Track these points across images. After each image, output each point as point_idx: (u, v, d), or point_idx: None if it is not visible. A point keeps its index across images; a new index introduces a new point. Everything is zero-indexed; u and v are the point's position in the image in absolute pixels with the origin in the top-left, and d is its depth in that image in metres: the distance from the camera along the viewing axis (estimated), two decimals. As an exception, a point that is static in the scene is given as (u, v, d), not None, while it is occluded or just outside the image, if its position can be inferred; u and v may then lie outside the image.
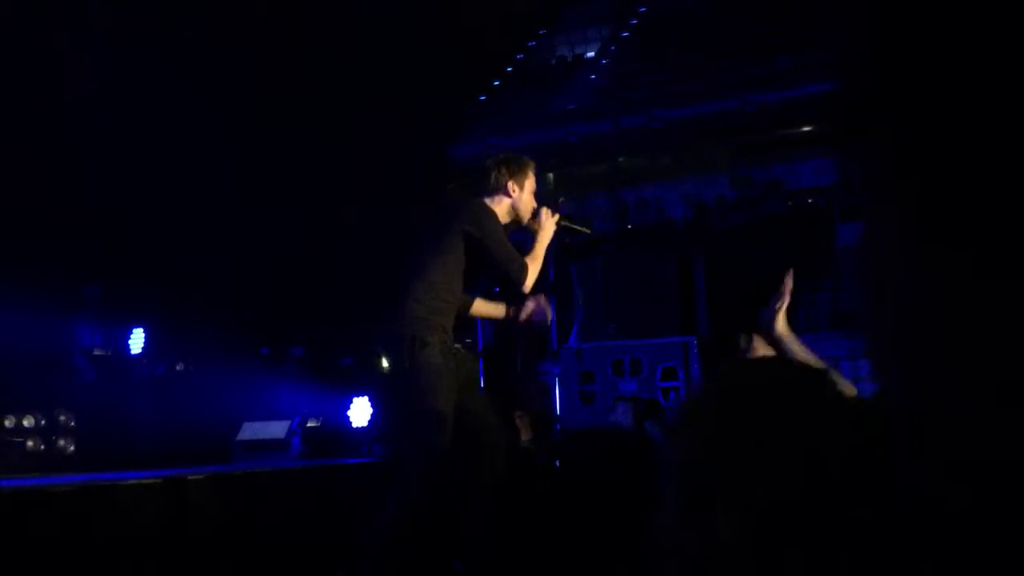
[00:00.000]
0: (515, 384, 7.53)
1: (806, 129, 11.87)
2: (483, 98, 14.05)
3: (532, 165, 3.99)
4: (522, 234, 4.03)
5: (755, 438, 0.83)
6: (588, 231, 4.29)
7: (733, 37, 12.82)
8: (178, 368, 7.71)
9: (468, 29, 12.52)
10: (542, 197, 4.11)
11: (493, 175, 3.93)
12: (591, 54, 14.63)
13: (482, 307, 4.11)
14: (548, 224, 3.92)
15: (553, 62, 14.86)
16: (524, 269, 3.77)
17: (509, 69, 14.70)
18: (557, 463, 6.18)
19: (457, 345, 3.95)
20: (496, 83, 14.40)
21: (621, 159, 11.54)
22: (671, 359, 6.70)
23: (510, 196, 3.91)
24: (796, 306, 9.14)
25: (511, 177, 3.92)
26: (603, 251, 8.41)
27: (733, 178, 12.07)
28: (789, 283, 3.78)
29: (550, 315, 4.02)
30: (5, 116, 7.88)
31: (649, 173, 12.10)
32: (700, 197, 11.71)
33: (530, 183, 3.96)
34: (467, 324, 5.27)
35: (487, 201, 3.90)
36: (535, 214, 3.94)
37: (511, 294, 3.98)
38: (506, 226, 3.96)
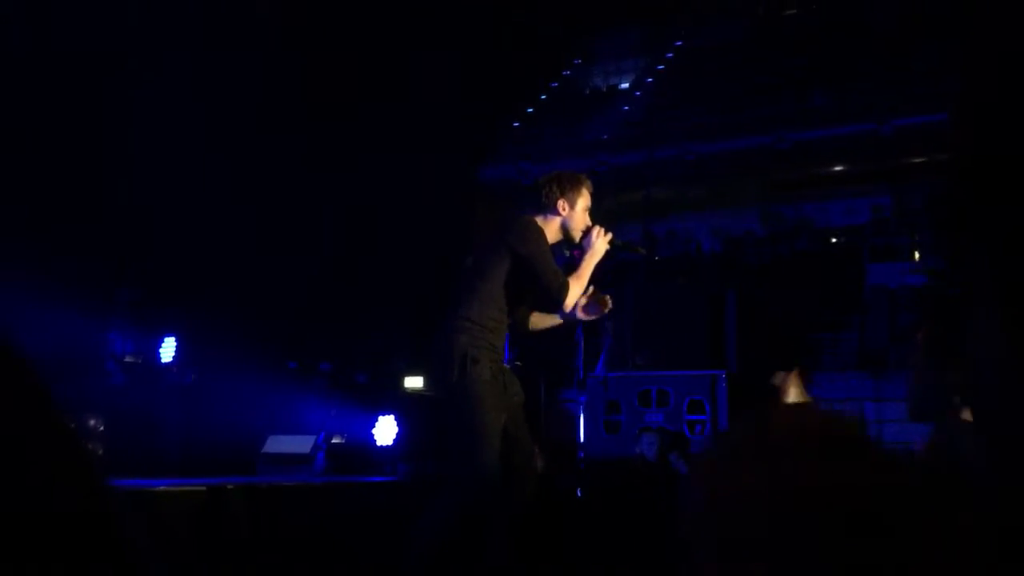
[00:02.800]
0: (538, 411, 7.53)
1: (838, 168, 11.88)
2: (516, 124, 14.16)
3: (586, 183, 3.95)
4: (563, 256, 4.03)
5: (792, 489, 0.82)
6: (643, 251, 4.24)
7: (769, 72, 12.87)
8: (203, 377, 7.76)
9: (504, 56, 12.63)
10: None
11: (544, 192, 3.92)
12: (625, 85, 14.73)
13: (540, 320, 4.09)
14: (599, 243, 3.88)
15: (587, 92, 14.97)
16: (565, 287, 3.76)
17: (543, 97, 14.82)
18: (579, 492, 6.17)
19: (507, 365, 3.94)
20: (530, 110, 14.51)
21: (652, 190, 11.58)
22: (699, 392, 6.69)
23: (560, 214, 3.90)
24: (822, 345, 9.09)
25: (562, 195, 3.89)
26: (633, 280, 8.41)
27: (763, 214, 12.07)
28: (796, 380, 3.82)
29: (607, 305, 3.95)
30: (46, 124, 8.03)
31: (679, 205, 12.13)
32: (729, 231, 11.73)
33: (583, 201, 3.91)
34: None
35: (538, 219, 3.89)
36: (586, 232, 3.91)
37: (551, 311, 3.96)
38: (558, 244, 3.95)
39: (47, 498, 0.70)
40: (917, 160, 10.78)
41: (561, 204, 3.88)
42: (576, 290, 3.79)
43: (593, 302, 3.90)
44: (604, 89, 14.98)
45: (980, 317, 0.88)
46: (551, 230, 3.89)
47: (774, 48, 13.27)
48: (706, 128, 12.36)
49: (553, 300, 3.79)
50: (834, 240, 11.59)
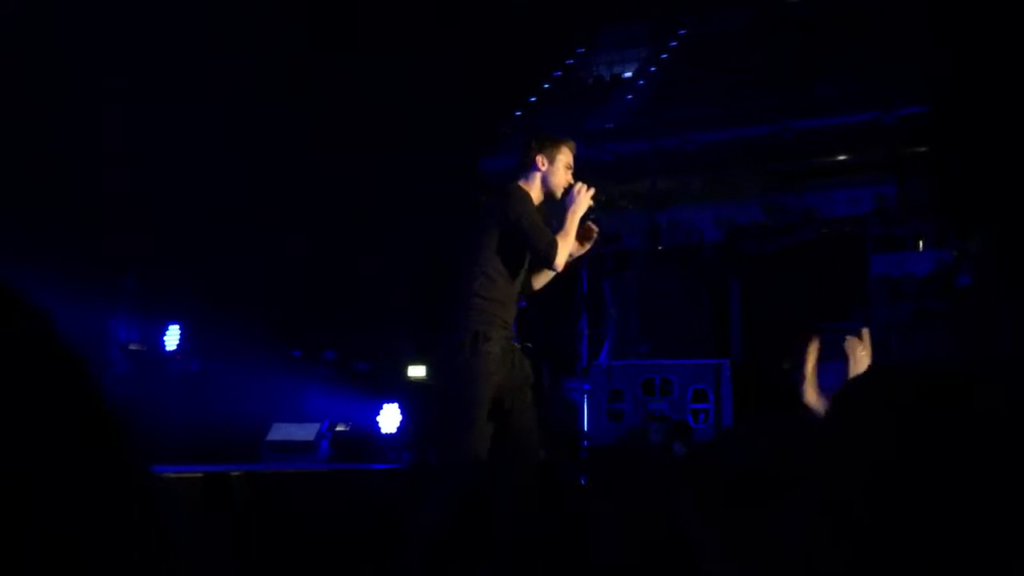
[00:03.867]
0: (541, 400, 7.54)
1: (842, 158, 11.85)
2: (519, 113, 14.13)
3: (565, 141, 3.97)
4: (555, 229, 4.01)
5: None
6: (630, 206, 4.27)
7: (773, 62, 12.83)
8: (207, 365, 7.78)
9: (508, 46, 12.60)
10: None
11: (523, 151, 3.97)
12: (628, 74, 14.67)
13: (539, 278, 4.10)
14: (581, 198, 3.88)
15: (590, 81, 14.91)
16: (554, 245, 3.76)
17: (546, 86, 14.78)
18: (583, 480, 6.18)
19: (518, 344, 3.94)
20: (532, 99, 14.47)
21: (655, 180, 11.55)
22: (702, 381, 6.70)
23: (539, 170, 3.91)
24: (822, 334, 9.08)
25: (540, 151, 3.92)
26: (635, 268, 8.41)
27: (766, 204, 12.05)
28: (815, 349, 3.63)
29: (594, 232, 3.96)
30: (48, 111, 8.03)
31: (683, 195, 12.09)
32: (733, 221, 11.69)
33: (563, 157, 3.93)
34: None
35: (520, 182, 3.91)
36: (568, 190, 3.92)
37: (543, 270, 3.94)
38: (543, 205, 3.95)
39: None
40: (920, 149, 10.76)
41: (540, 160, 3.91)
42: (564, 247, 3.80)
43: (581, 234, 3.92)
44: (608, 78, 14.92)
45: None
46: (534, 190, 3.92)
47: (778, 37, 13.22)
48: (709, 118, 12.33)
49: (543, 260, 3.80)
50: (837, 229, 11.58)
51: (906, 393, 0.84)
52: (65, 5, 8.52)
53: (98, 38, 8.49)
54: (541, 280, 4.10)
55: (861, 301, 8.90)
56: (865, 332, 3.02)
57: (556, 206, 4.06)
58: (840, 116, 11.43)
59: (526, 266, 3.93)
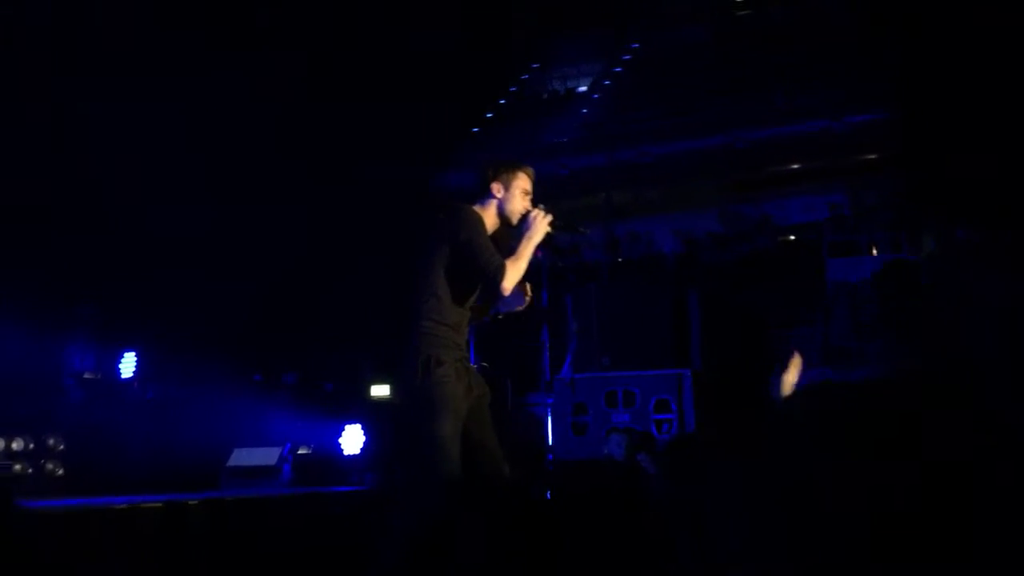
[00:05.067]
0: (505, 416, 7.51)
1: (796, 166, 12.02)
2: (476, 130, 14.16)
3: (522, 167, 3.93)
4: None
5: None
6: (585, 231, 4.18)
7: (725, 75, 12.99)
8: (165, 392, 7.66)
9: (463, 62, 12.62)
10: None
11: (480, 178, 3.95)
12: (583, 88, 14.79)
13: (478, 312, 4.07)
14: (538, 225, 3.87)
15: (545, 95, 15.00)
16: (501, 269, 3.71)
17: (502, 101, 14.83)
18: (548, 494, 6.16)
19: (473, 365, 3.90)
20: (489, 115, 14.51)
21: (612, 193, 11.62)
22: (665, 391, 6.71)
23: (495, 197, 3.90)
24: (786, 341, 9.15)
25: (495, 178, 3.90)
26: (597, 281, 8.43)
27: (722, 213, 12.16)
28: (797, 360, 3.76)
29: (528, 293, 3.92)
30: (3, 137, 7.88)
31: (640, 207, 12.18)
32: (690, 232, 11.80)
33: (519, 183, 3.89)
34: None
35: (476, 206, 3.89)
36: (524, 217, 3.90)
37: (492, 296, 3.90)
38: (501, 231, 3.93)
39: None
40: (871, 157, 10.93)
41: (495, 187, 3.89)
42: (514, 273, 3.75)
43: (517, 291, 3.89)
44: (563, 92, 15.03)
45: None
46: (489, 216, 3.89)
47: (730, 49, 13.39)
48: (663, 129, 12.45)
49: (490, 283, 3.75)
50: (793, 237, 11.72)
51: (836, 406, 0.86)
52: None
53: (61, 59, 8.38)
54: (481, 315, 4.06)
55: (819, 306, 9.00)
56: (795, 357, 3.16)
57: (514, 231, 4.04)
58: (792, 125, 11.60)
59: (478, 288, 3.90)
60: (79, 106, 8.45)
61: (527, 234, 3.84)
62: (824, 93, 11.83)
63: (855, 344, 8.34)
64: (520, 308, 3.98)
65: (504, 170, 3.92)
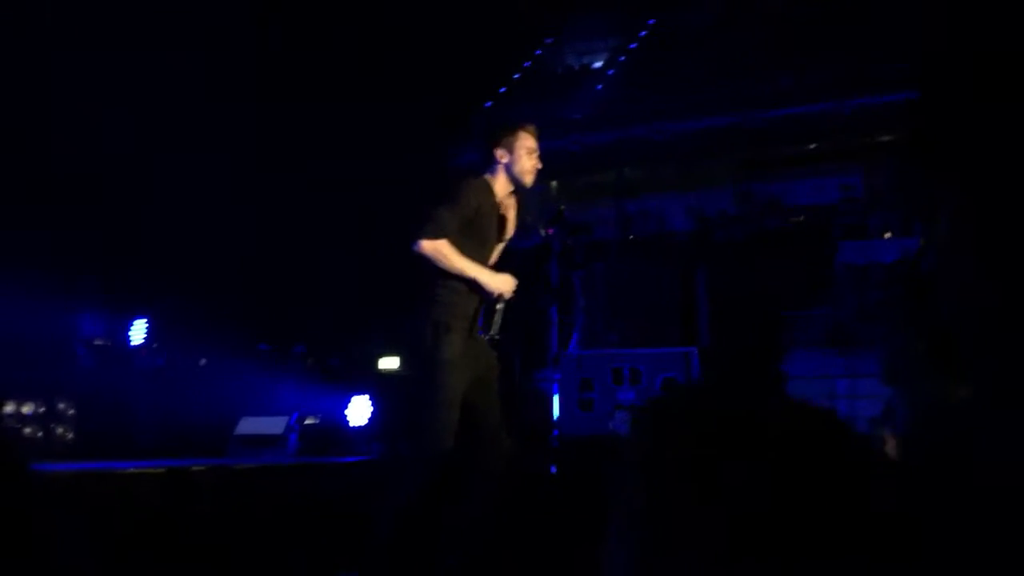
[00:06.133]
0: (513, 391, 7.53)
1: (809, 147, 11.95)
2: (488, 105, 14.11)
3: (520, 126, 3.87)
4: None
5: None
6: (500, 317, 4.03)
7: (740, 53, 12.89)
8: (190, 361, 7.71)
9: (476, 37, 12.56)
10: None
11: (484, 148, 3.94)
12: (598, 64, 14.70)
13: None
14: (499, 282, 3.75)
15: (560, 71, 14.93)
16: (429, 235, 3.62)
17: (516, 77, 14.77)
18: (553, 469, 6.19)
19: (482, 335, 3.90)
20: (503, 90, 14.46)
21: (625, 170, 11.59)
22: (671, 369, 6.72)
23: (500, 162, 3.89)
24: (794, 322, 9.12)
25: (497, 144, 3.89)
26: (605, 259, 8.42)
27: (735, 192, 12.12)
28: None
29: (505, 294, 3.89)
30: (12, 111, 7.91)
31: (652, 185, 12.15)
32: (702, 210, 11.76)
33: (522, 142, 3.84)
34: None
35: (487, 176, 3.88)
36: (533, 174, 3.85)
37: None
38: (518, 194, 3.92)
39: None
40: (884, 139, 10.86)
41: (499, 153, 3.88)
42: (436, 254, 3.65)
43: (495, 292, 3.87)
44: (577, 68, 14.95)
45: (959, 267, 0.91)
46: (500, 183, 3.88)
47: (746, 28, 13.29)
48: (676, 108, 12.38)
49: (410, 235, 3.70)
50: (803, 218, 11.68)
51: (693, 416, 0.86)
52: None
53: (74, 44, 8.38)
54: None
55: (828, 289, 8.97)
56: None
57: (530, 195, 4.03)
58: (805, 106, 11.53)
59: (489, 257, 3.91)
60: (87, 80, 8.45)
61: (488, 277, 3.78)
62: (840, 74, 11.74)
63: (862, 327, 8.31)
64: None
65: (504, 134, 3.91)
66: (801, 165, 11.70)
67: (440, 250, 3.68)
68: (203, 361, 7.49)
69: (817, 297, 9.53)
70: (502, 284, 3.82)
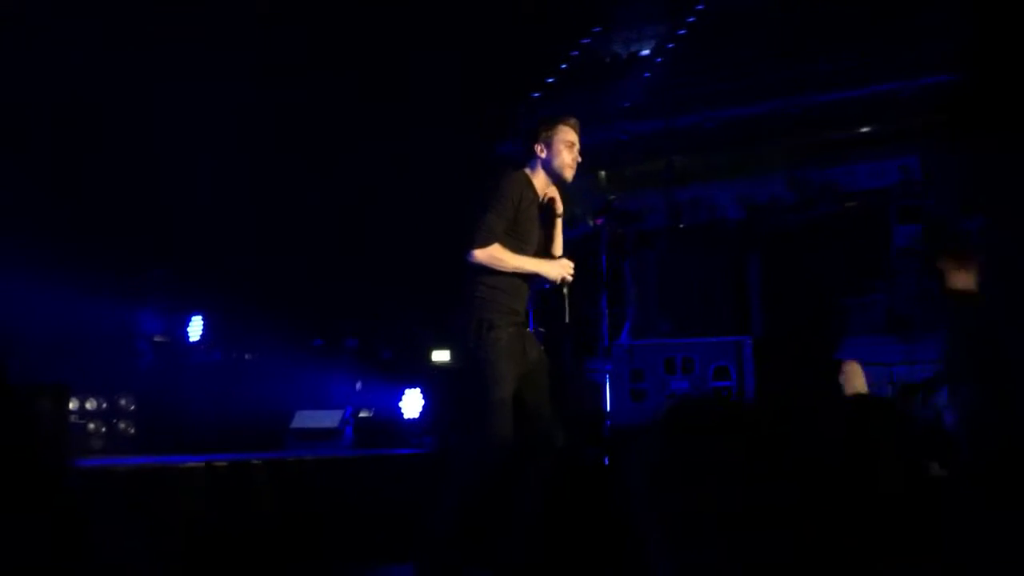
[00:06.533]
0: (564, 382, 7.52)
1: (864, 130, 11.72)
2: (536, 95, 14.08)
3: (560, 120, 3.86)
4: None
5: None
6: (566, 291, 4.05)
7: (790, 36, 12.68)
8: (245, 357, 7.84)
9: (523, 26, 12.54)
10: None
11: (524, 142, 3.94)
12: (646, 52, 14.57)
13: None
14: (555, 270, 3.81)
15: (607, 60, 14.83)
16: (482, 242, 3.64)
17: (563, 66, 14.71)
18: (606, 460, 6.17)
19: (530, 330, 3.91)
20: (550, 80, 14.41)
21: (674, 158, 11.48)
22: (724, 358, 6.65)
23: (539, 157, 3.87)
24: (850, 309, 8.97)
25: (536, 139, 3.88)
26: (657, 248, 8.36)
27: (789, 179, 11.94)
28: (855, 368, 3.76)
29: (567, 279, 3.90)
30: (75, 107, 8.10)
31: (703, 173, 12.01)
32: (754, 197, 11.61)
33: (561, 136, 3.83)
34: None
35: (527, 171, 3.87)
36: (571, 169, 3.84)
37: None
38: (560, 188, 3.91)
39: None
40: (943, 119, 10.60)
41: (538, 148, 3.87)
42: (489, 259, 3.67)
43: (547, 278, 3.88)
44: (625, 56, 14.84)
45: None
46: (539, 178, 3.88)
47: (797, 10, 13.07)
48: (728, 93, 12.22)
49: (464, 241, 3.71)
50: (858, 203, 11.47)
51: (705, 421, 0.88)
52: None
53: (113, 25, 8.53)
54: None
55: (884, 275, 8.81)
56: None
57: (571, 188, 4.02)
58: (860, 88, 11.31)
59: (534, 247, 3.90)
60: (156, 85, 8.61)
61: (545, 264, 3.80)
62: (895, 55, 11.50)
63: (919, 312, 8.15)
64: (546, 287, 3.98)
65: (543, 129, 3.89)
66: (857, 148, 11.49)
67: (494, 255, 3.70)
68: (248, 356, 7.60)
69: (874, 283, 9.36)
70: (561, 270, 3.84)
